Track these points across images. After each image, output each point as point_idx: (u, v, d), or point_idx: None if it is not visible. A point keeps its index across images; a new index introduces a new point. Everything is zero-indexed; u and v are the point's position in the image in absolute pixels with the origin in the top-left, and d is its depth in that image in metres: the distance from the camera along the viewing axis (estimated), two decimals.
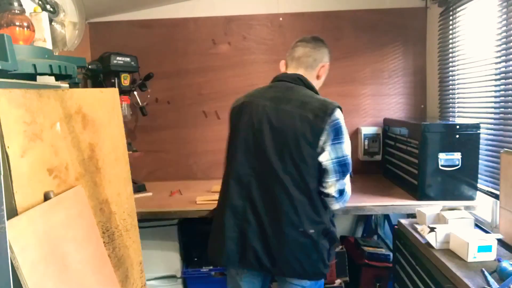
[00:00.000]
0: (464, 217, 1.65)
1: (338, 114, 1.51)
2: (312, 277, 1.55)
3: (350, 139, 1.44)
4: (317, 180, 1.50)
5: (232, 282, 1.69)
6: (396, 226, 1.91)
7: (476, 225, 1.73)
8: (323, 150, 1.47)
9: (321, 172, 1.49)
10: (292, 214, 1.48)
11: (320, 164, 1.48)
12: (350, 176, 1.60)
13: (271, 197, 1.50)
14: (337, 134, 1.48)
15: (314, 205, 1.50)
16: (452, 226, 1.60)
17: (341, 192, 1.51)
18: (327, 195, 1.51)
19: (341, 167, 1.49)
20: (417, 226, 1.74)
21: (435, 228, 1.55)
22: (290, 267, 1.51)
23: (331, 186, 1.49)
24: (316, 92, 1.64)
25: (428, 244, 1.56)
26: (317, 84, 1.70)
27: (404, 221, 1.84)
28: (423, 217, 1.74)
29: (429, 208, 1.76)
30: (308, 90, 1.61)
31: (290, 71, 1.68)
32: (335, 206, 1.54)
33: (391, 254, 2.17)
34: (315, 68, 1.67)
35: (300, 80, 1.62)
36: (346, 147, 1.50)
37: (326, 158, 1.47)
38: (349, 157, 1.51)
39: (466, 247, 1.41)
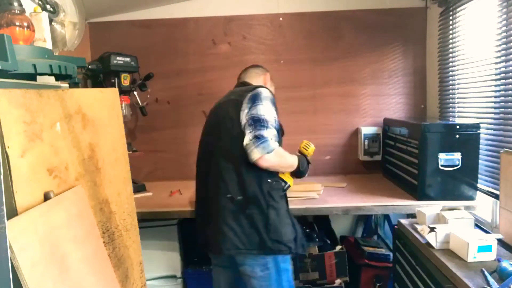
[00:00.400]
0: (464, 217, 1.65)
1: (260, 89, 1.68)
2: (249, 250, 1.57)
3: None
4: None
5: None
6: (396, 226, 1.91)
7: (476, 225, 1.72)
8: (243, 116, 1.62)
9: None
10: (221, 182, 1.62)
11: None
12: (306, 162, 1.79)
13: (212, 176, 1.67)
14: (254, 100, 1.63)
15: (240, 172, 1.60)
16: (452, 226, 1.60)
17: (256, 137, 1.55)
18: (246, 151, 1.56)
19: (254, 122, 1.58)
20: (417, 226, 1.74)
21: (435, 228, 1.55)
22: (228, 239, 1.57)
23: (246, 138, 1.57)
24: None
25: (428, 244, 1.56)
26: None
27: (404, 221, 1.84)
28: (423, 217, 1.74)
29: (429, 208, 1.76)
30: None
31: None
32: (255, 153, 1.54)
33: (391, 254, 2.17)
34: (258, 78, 1.95)
35: (241, 83, 1.90)
36: (263, 109, 1.60)
37: (242, 118, 1.61)
38: (266, 117, 1.59)
39: (466, 247, 1.41)
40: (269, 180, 1.63)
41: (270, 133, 1.58)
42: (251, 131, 1.57)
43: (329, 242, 2.52)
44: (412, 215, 2.00)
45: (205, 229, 1.69)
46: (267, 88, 1.72)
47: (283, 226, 1.62)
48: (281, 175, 1.77)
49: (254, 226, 1.58)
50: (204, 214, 1.71)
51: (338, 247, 2.45)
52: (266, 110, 1.61)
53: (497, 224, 1.80)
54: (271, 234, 1.59)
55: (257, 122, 1.57)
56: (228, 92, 1.86)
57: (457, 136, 1.97)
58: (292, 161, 1.74)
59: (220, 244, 1.58)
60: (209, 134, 1.78)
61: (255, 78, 1.93)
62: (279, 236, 1.60)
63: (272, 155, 1.56)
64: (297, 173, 1.80)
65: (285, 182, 1.81)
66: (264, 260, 1.62)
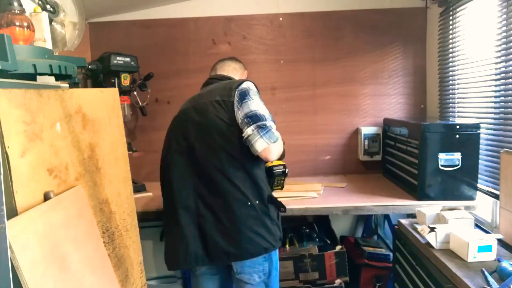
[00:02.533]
0: (464, 217, 1.65)
1: (245, 84, 1.61)
2: (276, 245, 1.62)
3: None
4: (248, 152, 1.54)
5: (194, 283, 1.80)
6: (396, 226, 1.92)
7: (476, 225, 1.72)
8: (237, 116, 1.55)
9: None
10: (236, 190, 1.55)
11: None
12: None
13: (213, 186, 1.58)
14: (243, 97, 1.56)
15: (253, 177, 1.57)
16: (452, 226, 1.59)
17: (259, 127, 1.49)
18: (249, 142, 1.49)
19: (251, 118, 1.51)
20: (417, 226, 1.74)
21: (435, 228, 1.55)
22: (253, 242, 1.56)
23: (247, 130, 1.49)
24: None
25: (428, 244, 1.56)
26: None
27: (404, 221, 1.84)
28: (423, 217, 1.74)
29: (429, 208, 1.76)
30: (224, 80, 1.75)
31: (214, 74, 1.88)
32: (260, 143, 1.47)
33: (391, 254, 2.17)
34: (236, 74, 1.89)
35: (217, 78, 1.80)
36: (253, 104, 1.54)
37: (238, 118, 1.54)
38: (260, 112, 1.53)
39: (466, 247, 1.41)
40: (275, 171, 1.68)
41: (271, 124, 1.54)
42: (251, 124, 1.50)
43: (329, 242, 2.53)
44: (412, 215, 2.00)
45: (214, 239, 1.58)
46: (251, 82, 1.65)
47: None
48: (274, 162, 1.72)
49: (275, 223, 1.63)
50: (198, 221, 1.61)
51: (338, 247, 2.45)
52: (258, 105, 1.56)
53: (497, 224, 1.80)
54: (279, 226, 1.67)
55: (254, 117, 1.51)
56: (204, 89, 1.74)
57: (457, 136, 1.97)
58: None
59: (251, 250, 1.57)
60: (196, 137, 1.61)
61: (232, 74, 1.86)
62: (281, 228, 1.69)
63: (277, 145, 1.52)
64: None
65: (283, 166, 1.75)
66: (262, 267, 1.63)
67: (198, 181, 1.61)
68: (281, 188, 1.78)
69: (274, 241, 1.61)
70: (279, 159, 1.71)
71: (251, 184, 1.57)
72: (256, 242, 1.56)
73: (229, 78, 1.80)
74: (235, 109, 1.56)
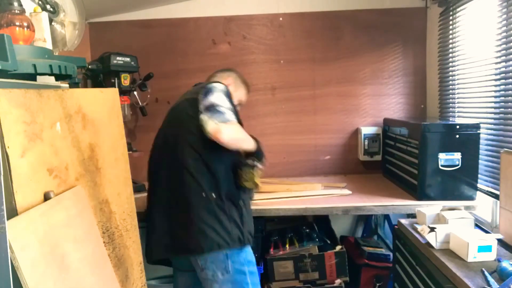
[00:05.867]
0: (464, 217, 1.65)
1: (215, 84, 1.64)
2: (232, 244, 1.56)
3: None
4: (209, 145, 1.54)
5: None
6: (396, 226, 1.92)
7: (476, 225, 1.72)
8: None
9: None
10: (193, 182, 1.56)
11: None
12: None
13: (177, 178, 1.59)
14: (207, 92, 1.59)
15: (212, 170, 1.57)
16: (452, 226, 1.60)
17: (209, 110, 1.51)
18: (202, 126, 1.50)
19: (206, 108, 1.53)
20: (417, 226, 1.74)
21: (435, 228, 1.55)
22: (209, 238, 1.53)
23: (200, 118, 1.51)
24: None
25: (428, 244, 1.56)
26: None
27: (404, 221, 1.84)
28: (423, 217, 1.74)
29: (429, 208, 1.76)
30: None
31: None
32: (210, 124, 1.48)
33: (391, 254, 2.17)
34: (220, 79, 1.84)
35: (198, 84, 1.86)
36: (213, 98, 1.56)
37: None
38: (217, 102, 1.55)
39: (466, 247, 1.41)
40: (244, 162, 1.63)
41: (226, 111, 1.53)
42: (206, 111, 1.52)
43: (329, 242, 2.52)
44: (412, 215, 2.00)
45: (175, 230, 1.60)
46: (222, 84, 1.68)
47: (251, 218, 1.67)
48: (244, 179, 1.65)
49: (233, 220, 1.57)
50: (170, 216, 1.63)
51: (338, 247, 2.45)
52: (218, 99, 1.56)
53: (497, 224, 1.80)
54: (246, 227, 1.61)
55: (210, 106, 1.53)
56: (184, 93, 1.84)
57: (457, 136, 1.97)
58: (250, 138, 1.65)
59: (201, 243, 1.53)
60: (169, 133, 1.70)
61: (217, 79, 1.87)
62: (251, 228, 1.65)
63: (229, 126, 1.49)
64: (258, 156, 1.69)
65: (254, 160, 1.65)
66: (225, 264, 1.58)
67: (169, 174, 1.64)
68: (255, 186, 1.67)
69: (229, 239, 1.55)
70: (258, 159, 1.67)
71: (209, 177, 1.56)
72: (207, 235, 1.52)
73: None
74: (199, 103, 1.58)
